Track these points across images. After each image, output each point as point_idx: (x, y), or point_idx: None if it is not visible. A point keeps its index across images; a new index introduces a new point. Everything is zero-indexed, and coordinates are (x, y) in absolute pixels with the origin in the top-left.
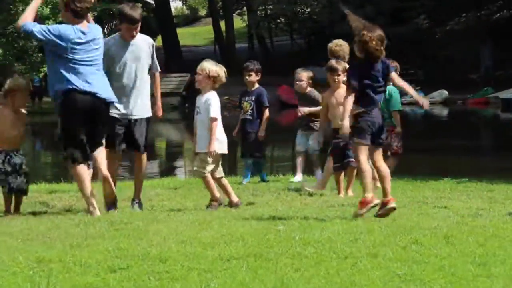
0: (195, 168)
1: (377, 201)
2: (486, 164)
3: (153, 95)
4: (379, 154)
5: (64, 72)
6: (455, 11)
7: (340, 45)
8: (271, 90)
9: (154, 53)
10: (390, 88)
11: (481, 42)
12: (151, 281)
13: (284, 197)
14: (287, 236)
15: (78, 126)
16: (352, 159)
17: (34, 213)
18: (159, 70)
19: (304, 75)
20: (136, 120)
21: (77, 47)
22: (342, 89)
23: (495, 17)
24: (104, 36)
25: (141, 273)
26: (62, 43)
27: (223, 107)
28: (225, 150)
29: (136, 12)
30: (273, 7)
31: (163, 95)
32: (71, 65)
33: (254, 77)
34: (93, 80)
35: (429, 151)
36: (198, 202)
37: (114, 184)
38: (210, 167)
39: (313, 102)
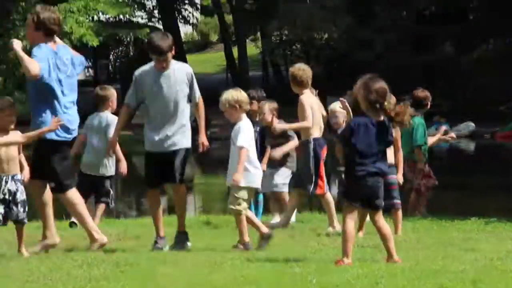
0: (229, 205)
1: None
2: None
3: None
4: (376, 215)
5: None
6: (482, 37)
7: (303, 69)
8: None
9: (194, 81)
10: (416, 119)
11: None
12: None
13: (299, 237)
14: (303, 279)
15: None
16: (398, 201)
17: (34, 253)
18: (200, 98)
19: (266, 107)
20: (172, 151)
21: None
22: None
23: None
24: (110, 63)
25: None
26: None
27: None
28: (256, 184)
29: (165, 43)
30: (289, 32)
31: None
32: None
33: (256, 106)
34: None
35: (455, 189)
36: (209, 242)
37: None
38: (245, 204)
39: (283, 135)
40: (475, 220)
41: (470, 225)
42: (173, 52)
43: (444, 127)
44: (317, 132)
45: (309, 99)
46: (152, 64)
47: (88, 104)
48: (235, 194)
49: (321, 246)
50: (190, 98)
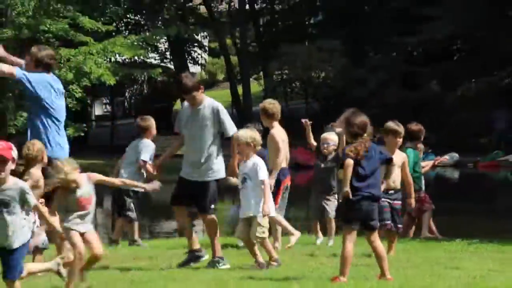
0: (256, 234)
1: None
2: (497, 226)
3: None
4: (372, 236)
5: None
6: (465, 77)
7: (273, 103)
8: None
9: (222, 116)
10: (408, 151)
11: (493, 107)
12: None
13: (298, 256)
14: None
15: None
16: (389, 222)
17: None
18: (235, 131)
19: None
20: (199, 182)
21: None
22: (399, 152)
23: (506, 82)
24: (125, 99)
25: None
26: None
27: None
28: (273, 213)
29: (189, 81)
30: (289, 72)
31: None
32: None
33: None
34: None
35: (441, 213)
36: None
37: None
38: (266, 230)
39: None
40: (459, 241)
41: (455, 246)
42: (200, 90)
43: (438, 157)
44: (284, 162)
45: (279, 132)
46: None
47: (107, 135)
48: (261, 223)
49: (319, 265)
50: (222, 132)
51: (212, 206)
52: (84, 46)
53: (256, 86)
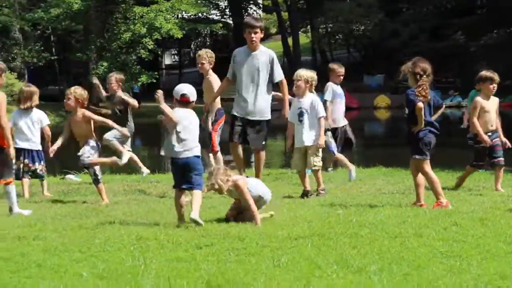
0: (314, 163)
1: (450, 207)
2: None
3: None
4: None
5: None
6: (488, 28)
7: (207, 51)
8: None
9: (275, 63)
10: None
11: None
12: (231, 256)
13: (343, 186)
14: (346, 219)
15: None
16: (501, 158)
17: (134, 199)
18: (283, 77)
19: (113, 78)
20: (252, 121)
21: None
22: (494, 97)
23: None
24: (191, 51)
25: (222, 249)
26: None
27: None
28: None
29: (256, 21)
30: (333, 25)
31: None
32: None
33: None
34: None
35: (466, 147)
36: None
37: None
38: (321, 161)
39: (120, 103)
40: (482, 172)
41: (479, 176)
42: (262, 34)
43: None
44: (219, 103)
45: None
46: (246, 46)
47: (175, 82)
48: (318, 154)
49: (360, 193)
50: (272, 78)
51: (264, 143)
52: (155, 4)
53: (304, 38)
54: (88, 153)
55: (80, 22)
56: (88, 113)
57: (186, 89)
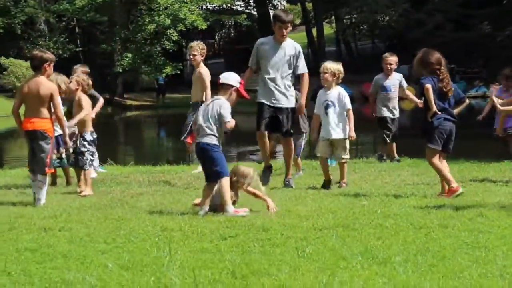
0: (342, 155)
1: (461, 190)
2: None
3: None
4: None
5: None
6: None
7: (199, 43)
8: (357, 86)
9: (301, 56)
10: None
11: None
12: (256, 247)
13: (367, 177)
14: (370, 209)
15: None
16: None
17: (159, 190)
18: (306, 71)
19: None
20: (279, 108)
21: None
22: None
23: None
24: (215, 42)
25: (247, 240)
26: None
27: None
28: None
29: (287, 16)
30: (357, 16)
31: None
32: None
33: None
34: None
35: (491, 138)
36: (295, 181)
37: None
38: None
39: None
40: (508, 162)
41: (504, 166)
42: (291, 27)
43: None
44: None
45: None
46: (271, 36)
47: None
48: (346, 146)
49: (384, 184)
50: (296, 70)
51: (292, 130)
52: None
53: (328, 29)
54: (89, 154)
55: (104, 14)
56: (84, 99)
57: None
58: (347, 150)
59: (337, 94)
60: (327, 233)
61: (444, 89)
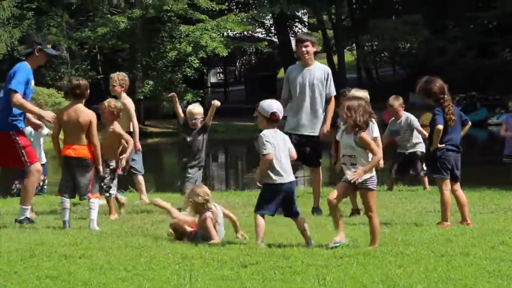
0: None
1: (448, 228)
2: None
3: None
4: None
5: None
6: None
7: (119, 74)
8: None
9: (330, 79)
10: None
11: None
12: (276, 274)
13: (388, 204)
14: (391, 237)
15: None
16: None
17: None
18: (334, 94)
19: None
20: (307, 136)
21: None
22: None
23: None
24: (236, 69)
25: (267, 268)
26: None
27: None
28: None
29: (305, 35)
30: (378, 43)
31: None
32: None
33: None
34: None
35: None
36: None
37: None
38: None
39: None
40: None
41: None
42: (314, 47)
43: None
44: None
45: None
46: (298, 62)
47: (220, 100)
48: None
49: (405, 211)
50: (326, 94)
51: (320, 159)
52: (200, 23)
53: (349, 56)
54: (112, 182)
55: (126, 41)
56: (119, 129)
57: (275, 106)
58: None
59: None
60: (348, 261)
61: (448, 117)
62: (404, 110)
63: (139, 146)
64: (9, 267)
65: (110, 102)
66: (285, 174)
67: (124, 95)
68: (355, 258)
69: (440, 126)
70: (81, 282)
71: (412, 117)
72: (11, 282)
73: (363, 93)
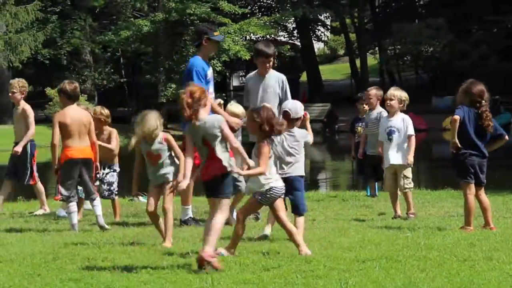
0: (406, 185)
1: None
2: None
3: None
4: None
5: None
6: None
7: (19, 80)
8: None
9: (285, 86)
10: None
11: None
12: (298, 278)
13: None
14: (414, 241)
15: None
16: None
17: (202, 220)
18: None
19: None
20: None
21: None
22: None
23: None
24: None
25: (290, 272)
26: None
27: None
28: None
29: (270, 49)
30: (401, 47)
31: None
32: None
33: (361, 105)
34: None
35: None
36: (338, 212)
37: None
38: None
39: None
40: None
41: None
42: (275, 60)
43: None
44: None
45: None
46: (256, 71)
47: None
48: (407, 175)
49: (428, 215)
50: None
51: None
52: (223, 26)
53: (372, 60)
54: (115, 184)
55: (149, 45)
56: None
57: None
58: (410, 179)
59: (401, 120)
60: (370, 265)
61: (482, 125)
62: (427, 114)
63: (19, 150)
64: (32, 270)
65: (95, 110)
66: None
67: (23, 102)
68: (377, 262)
69: (456, 117)
70: (103, 285)
71: (384, 114)
72: (34, 285)
73: (403, 93)
